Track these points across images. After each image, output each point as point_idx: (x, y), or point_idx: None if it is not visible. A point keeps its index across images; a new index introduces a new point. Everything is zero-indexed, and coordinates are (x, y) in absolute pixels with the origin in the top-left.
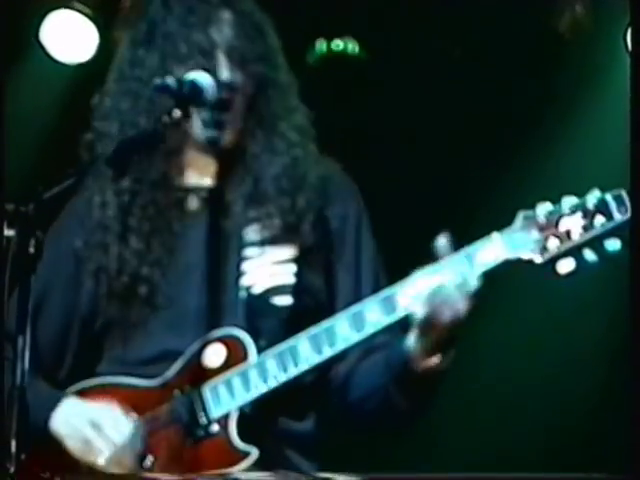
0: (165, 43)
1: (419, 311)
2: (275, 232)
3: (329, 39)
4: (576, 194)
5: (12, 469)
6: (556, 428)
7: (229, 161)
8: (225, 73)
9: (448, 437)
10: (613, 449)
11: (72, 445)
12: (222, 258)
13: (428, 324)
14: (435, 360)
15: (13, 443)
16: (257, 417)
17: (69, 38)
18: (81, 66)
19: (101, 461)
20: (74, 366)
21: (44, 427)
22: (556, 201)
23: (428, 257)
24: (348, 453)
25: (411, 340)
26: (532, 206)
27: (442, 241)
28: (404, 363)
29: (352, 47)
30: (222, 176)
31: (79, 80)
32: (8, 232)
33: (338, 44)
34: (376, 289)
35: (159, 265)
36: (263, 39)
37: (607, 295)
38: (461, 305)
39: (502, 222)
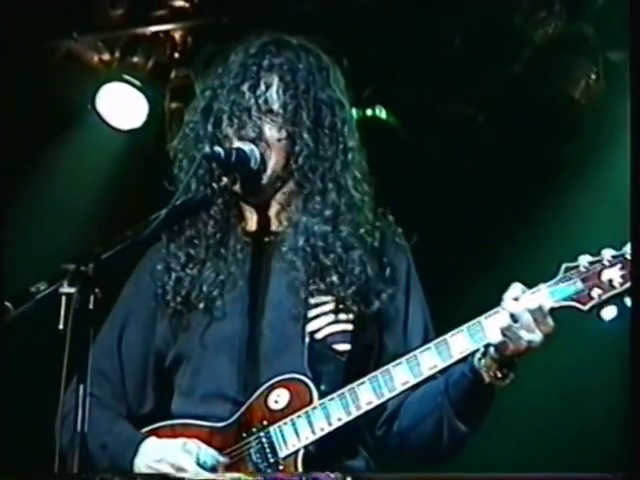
0: (216, 108)
1: (495, 339)
2: (327, 285)
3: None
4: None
5: None
6: (556, 427)
7: (271, 213)
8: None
9: None
10: (614, 449)
11: None
12: (286, 303)
13: (504, 351)
14: (500, 376)
15: None
16: (320, 456)
17: (121, 107)
18: (133, 131)
19: None
20: (155, 402)
21: (127, 469)
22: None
23: (472, 309)
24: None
25: (478, 360)
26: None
27: (518, 288)
28: (468, 381)
29: (383, 114)
30: (267, 226)
31: (132, 144)
32: (69, 289)
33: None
34: (425, 335)
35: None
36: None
37: None
38: (538, 338)
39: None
